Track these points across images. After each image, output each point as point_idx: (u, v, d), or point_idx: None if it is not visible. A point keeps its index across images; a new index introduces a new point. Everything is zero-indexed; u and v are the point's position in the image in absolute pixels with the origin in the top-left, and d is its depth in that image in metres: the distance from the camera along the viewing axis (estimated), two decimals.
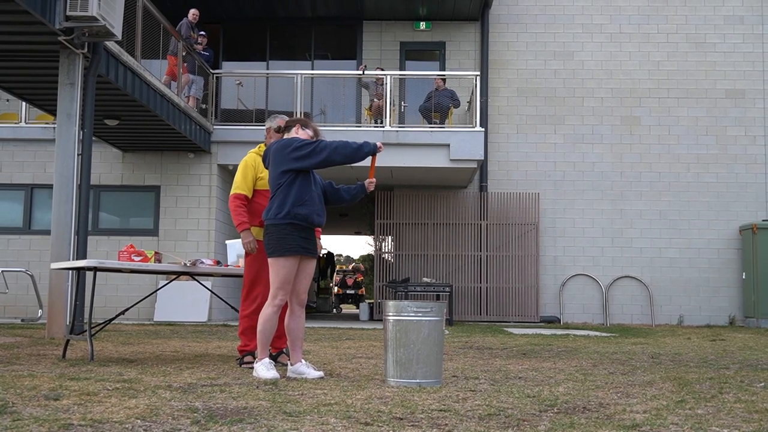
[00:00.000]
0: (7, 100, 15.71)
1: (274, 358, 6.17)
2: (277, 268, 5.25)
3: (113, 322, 12.35)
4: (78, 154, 9.86)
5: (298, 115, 15.02)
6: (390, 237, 17.73)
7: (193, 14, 14.87)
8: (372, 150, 5.35)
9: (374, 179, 5.73)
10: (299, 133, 5.49)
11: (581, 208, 17.49)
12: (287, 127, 5.57)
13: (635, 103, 17.73)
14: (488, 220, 17.36)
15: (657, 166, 17.55)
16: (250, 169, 6.24)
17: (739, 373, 6.13)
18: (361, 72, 15.99)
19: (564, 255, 17.40)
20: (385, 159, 14.59)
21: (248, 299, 6.14)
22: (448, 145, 15.21)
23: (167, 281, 10.08)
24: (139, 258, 6.62)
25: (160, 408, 3.82)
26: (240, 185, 6.20)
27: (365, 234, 28.34)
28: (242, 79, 17.01)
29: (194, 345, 8.47)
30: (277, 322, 5.37)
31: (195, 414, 3.67)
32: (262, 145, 6.39)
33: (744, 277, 16.99)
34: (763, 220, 16.97)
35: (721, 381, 5.54)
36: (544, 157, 17.60)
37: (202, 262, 6.77)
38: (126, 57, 11.36)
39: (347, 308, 31.50)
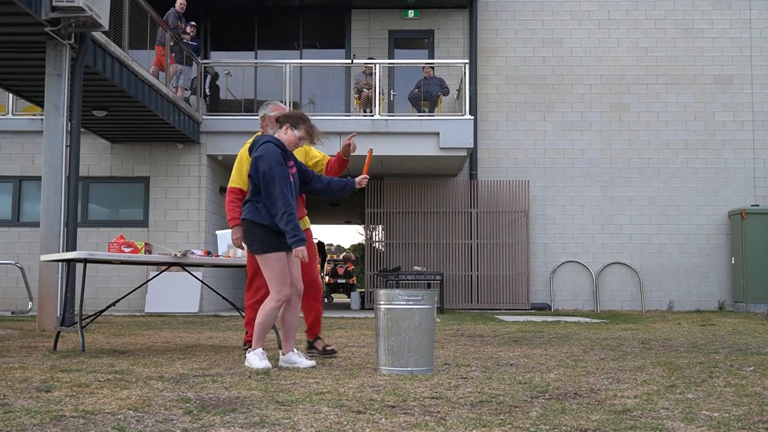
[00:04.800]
0: None
1: (311, 344, 6.23)
2: (270, 264, 5.24)
3: (104, 313, 12.32)
4: (66, 146, 9.81)
5: (287, 104, 14.96)
6: (380, 226, 17.74)
7: (180, 4, 14.80)
8: (291, 243, 5.17)
9: (368, 176, 5.73)
10: (287, 134, 5.40)
11: (571, 195, 17.53)
12: (280, 123, 5.49)
13: (624, 90, 17.75)
14: (478, 208, 17.38)
15: (646, 153, 17.60)
16: (245, 161, 6.18)
17: (729, 358, 6.16)
18: (350, 62, 15.96)
19: (554, 242, 17.44)
20: (375, 148, 14.56)
21: (251, 289, 6.15)
22: (438, 134, 15.20)
23: (158, 272, 10.06)
24: (129, 249, 6.60)
25: (152, 399, 3.82)
26: (235, 179, 6.19)
27: (356, 223, 28.34)
28: (231, 69, 16.95)
29: (186, 336, 8.47)
30: (276, 317, 5.36)
31: (187, 404, 3.67)
32: (259, 134, 6.31)
33: (733, 262, 17.07)
34: (752, 205, 17.05)
35: (711, 365, 5.57)
36: (533, 145, 17.62)
37: (193, 253, 6.76)
38: (113, 47, 11.29)
39: (338, 297, 31.53)
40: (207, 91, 15.88)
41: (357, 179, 5.67)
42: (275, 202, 5.17)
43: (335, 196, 5.72)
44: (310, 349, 6.23)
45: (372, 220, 17.71)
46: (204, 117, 15.48)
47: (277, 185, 5.17)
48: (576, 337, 8.40)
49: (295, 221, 5.17)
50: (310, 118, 5.57)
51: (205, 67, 15.99)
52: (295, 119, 5.43)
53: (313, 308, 6.25)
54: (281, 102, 6.33)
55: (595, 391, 4.26)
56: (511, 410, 3.60)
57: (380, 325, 5.07)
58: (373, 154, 5.98)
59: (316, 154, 6.29)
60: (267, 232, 5.25)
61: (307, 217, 6.30)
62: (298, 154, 6.20)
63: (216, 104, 16.13)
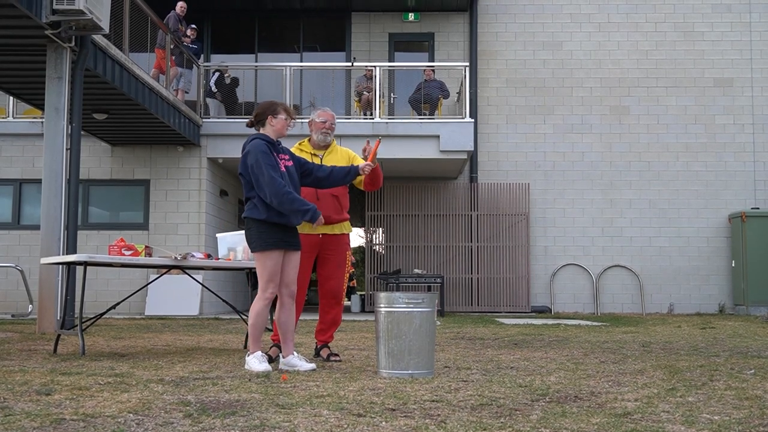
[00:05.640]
0: None
1: (317, 351, 6.20)
2: (263, 262, 5.25)
3: (104, 316, 12.32)
4: (66, 149, 9.81)
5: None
6: (381, 229, 17.74)
7: (181, 7, 14.83)
8: (308, 220, 5.21)
9: (372, 163, 5.70)
10: (273, 123, 5.41)
11: (571, 198, 17.53)
12: (259, 121, 5.48)
13: (624, 93, 17.76)
14: (479, 211, 17.38)
15: (646, 156, 17.60)
16: None
17: (729, 361, 6.16)
18: (350, 65, 15.99)
19: (554, 245, 17.44)
20: None
21: None
22: (438, 136, 15.21)
23: (158, 275, 10.07)
24: (129, 252, 6.61)
25: (153, 402, 3.82)
26: None
27: (356, 226, 28.31)
28: (231, 72, 16.94)
29: (186, 339, 8.46)
30: (267, 316, 5.36)
31: (187, 407, 3.67)
32: (306, 141, 6.21)
33: (733, 265, 17.07)
34: (752, 208, 17.05)
35: (712, 369, 5.56)
36: (533, 148, 17.62)
37: (193, 256, 6.76)
38: (114, 50, 11.30)
39: None
40: (213, 88, 15.88)
41: (361, 166, 5.65)
42: (265, 189, 5.17)
43: (340, 183, 5.68)
44: (317, 356, 6.20)
45: (372, 222, 17.71)
46: (204, 120, 15.49)
47: (264, 173, 5.17)
48: (576, 340, 8.40)
49: (293, 196, 5.15)
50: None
51: (220, 70, 16.03)
52: (270, 108, 5.45)
53: (329, 313, 6.21)
54: (328, 108, 6.27)
55: (595, 394, 4.26)
56: (512, 413, 3.60)
57: (380, 328, 5.07)
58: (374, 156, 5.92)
59: (360, 162, 6.19)
60: (266, 228, 5.24)
61: (347, 223, 6.23)
62: (342, 160, 6.11)
63: (233, 107, 16.09)
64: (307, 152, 6.11)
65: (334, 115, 6.18)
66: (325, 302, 6.17)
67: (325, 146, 6.14)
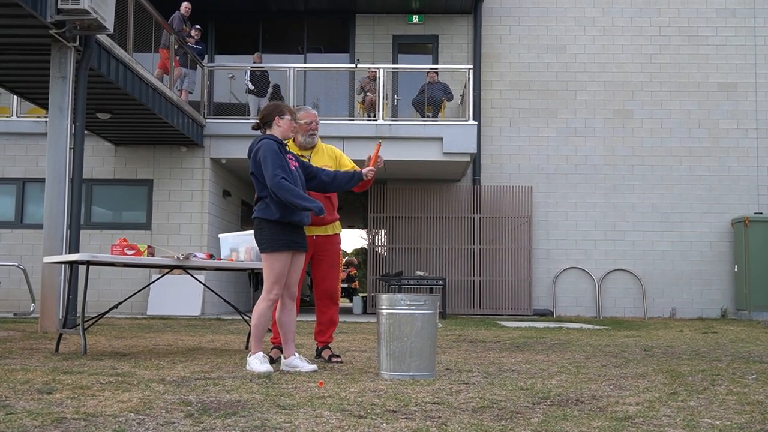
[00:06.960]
0: None
1: (318, 353, 6.19)
2: (271, 263, 5.25)
3: (106, 316, 12.32)
4: (70, 148, 9.82)
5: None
6: (383, 230, 17.73)
7: (186, 7, 14.84)
8: (315, 213, 5.22)
9: (374, 168, 5.71)
10: (280, 124, 5.42)
11: (574, 201, 17.51)
12: (266, 123, 5.49)
13: (628, 96, 17.75)
14: (481, 214, 17.37)
15: (649, 159, 17.58)
16: None
17: (731, 366, 6.15)
18: (354, 67, 16.01)
19: (557, 248, 17.42)
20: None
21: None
22: (441, 139, 15.21)
23: (160, 275, 10.07)
24: (131, 252, 6.61)
25: (154, 401, 3.82)
26: None
27: (358, 227, 28.33)
28: (234, 73, 16.97)
29: (187, 339, 8.47)
30: (271, 317, 5.36)
31: (188, 407, 3.67)
32: (290, 141, 6.21)
33: (736, 269, 17.04)
34: (756, 213, 17.02)
35: (714, 373, 5.56)
36: (536, 151, 17.61)
37: (195, 256, 6.76)
38: (118, 50, 11.31)
39: (340, 302, 31.50)
40: (251, 86, 15.89)
41: (364, 171, 5.66)
42: (268, 178, 5.16)
43: (343, 188, 5.69)
44: (318, 357, 6.19)
45: (375, 224, 17.71)
46: (207, 120, 15.50)
47: (269, 165, 5.17)
48: (578, 344, 8.39)
49: (294, 189, 5.13)
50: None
51: (254, 69, 16.04)
52: (277, 110, 5.46)
53: (326, 314, 6.21)
54: (311, 108, 6.27)
55: (596, 397, 4.25)
56: (513, 416, 3.60)
57: (382, 330, 5.07)
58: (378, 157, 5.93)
59: (347, 163, 6.17)
60: (278, 229, 5.24)
61: (338, 223, 6.23)
62: (329, 159, 6.09)
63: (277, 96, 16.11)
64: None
65: (316, 114, 6.18)
66: (321, 303, 6.17)
67: (312, 147, 6.13)
